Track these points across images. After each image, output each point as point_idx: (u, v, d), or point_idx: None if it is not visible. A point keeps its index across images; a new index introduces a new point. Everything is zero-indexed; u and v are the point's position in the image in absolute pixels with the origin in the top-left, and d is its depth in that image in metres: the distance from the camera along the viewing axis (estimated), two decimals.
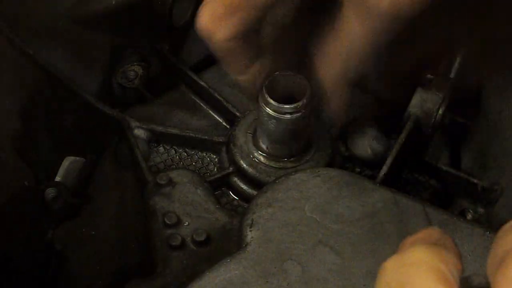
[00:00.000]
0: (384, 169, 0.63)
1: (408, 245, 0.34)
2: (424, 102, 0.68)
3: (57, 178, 0.69)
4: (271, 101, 0.60)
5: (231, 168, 0.67)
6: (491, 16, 0.58)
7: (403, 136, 0.66)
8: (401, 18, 0.49)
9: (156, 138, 0.71)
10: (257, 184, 0.65)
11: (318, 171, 0.59)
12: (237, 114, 0.71)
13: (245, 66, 0.57)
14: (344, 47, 0.52)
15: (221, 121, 0.74)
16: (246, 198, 0.66)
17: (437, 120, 0.68)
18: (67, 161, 0.71)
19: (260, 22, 0.52)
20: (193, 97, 0.76)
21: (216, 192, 0.66)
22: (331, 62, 0.54)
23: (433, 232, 0.34)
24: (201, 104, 0.76)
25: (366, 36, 0.51)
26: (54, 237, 0.65)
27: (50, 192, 0.66)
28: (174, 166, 0.70)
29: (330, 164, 0.66)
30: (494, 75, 0.68)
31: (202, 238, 0.58)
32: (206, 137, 0.71)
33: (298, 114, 0.60)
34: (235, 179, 0.67)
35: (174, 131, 0.71)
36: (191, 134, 0.71)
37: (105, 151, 0.73)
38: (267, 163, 0.65)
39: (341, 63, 0.54)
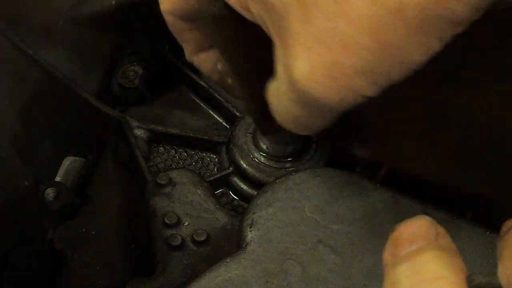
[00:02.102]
0: (384, 169, 0.63)
1: (408, 242, 0.33)
2: None
3: (57, 178, 0.69)
4: None
5: (231, 168, 0.67)
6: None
7: None
8: (318, 102, 0.41)
9: (156, 138, 0.71)
10: (257, 184, 0.65)
11: (318, 171, 0.58)
12: (237, 114, 0.71)
13: (192, 50, 0.57)
14: (277, 107, 0.46)
15: (221, 121, 0.74)
16: (246, 198, 0.66)
17: None
18: (67, 161, 0.71)
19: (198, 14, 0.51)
20: (193, 97, 0.77)
21: (216, 192, 0.66)
22: (273, 111, 0.48)
23: (429, 225, 0.34)
24: (201, 104, 0.76)
25: (292, 108, 0.44)
26: (54, 237, 0.65)
27: (50, 192, 0.66)
28: (174, 166, 0.70)
29: (330, 164, 0.66)
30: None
31: (202, 238, 0.58)
32: (206, 137, 0.71)
33: None
34: (235, 179, 0.67)
35: (174, 131, 0.71)
36: (191, 134, 0.71)
37: (105, 151, 0.73)
38: (267, 163, 0.65)
39: (279, 121, 0.48)
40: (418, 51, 0.37)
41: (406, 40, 0.36)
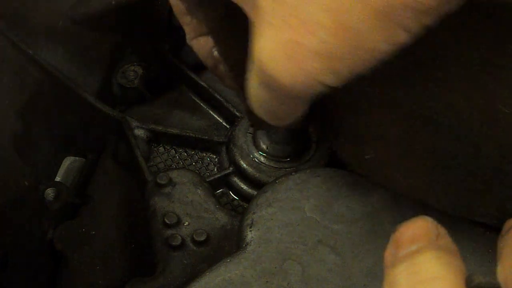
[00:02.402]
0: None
1: (408, 243, 0.33)
2: None
3: (57, 178, 0.69)
4: None
5: (231, 168, 0.67)
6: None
7: None
8: (279, 84, 0.39)
9: (156, 138, 0.71)
10: (257, 184, 0.65)
11: (318, 171, 0.58)
12: (237, 114, 0.71)
13: (192, 34, 0.57)
14: (250, 93, 0.44)
15: (221, 121, 0.74)
16: (246, 198, 0.66)
17: None
18: (67, 161, 0.71)
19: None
20: (193, 97, 0.76)
21: (216, 192, 0.66)
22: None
23: (430, 226, 0.34)
24: (201, 104, 0.76)
25: (260, 93, 0.42)
26: (54, 237, 0.65)
27: (50, 192, 0.66)
28: (174, 166, 0.70)
29: (330, 164, 0.66)
30: None
31: (202, 238, 0.58)
32: (206, 137, 0.71)
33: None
34: (235, 179, 0.67)
35: (174, 131, 0.71)
36: (191, 134, 0.71)
37: (105, 151, 0.73)
38: (267, 163, 0.65)
39: (253, 109, 0.47)
40: (382, 39, 0.35)
41: (368, 25, 0.35)
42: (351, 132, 0.53)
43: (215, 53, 0.57)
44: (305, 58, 0.37)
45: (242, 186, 0.67)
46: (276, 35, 0.37)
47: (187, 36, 0.58)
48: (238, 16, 0.44)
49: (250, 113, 0.53)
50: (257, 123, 0.61)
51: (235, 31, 0.49)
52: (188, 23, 0.56)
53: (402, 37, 0.35)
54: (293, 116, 0.45)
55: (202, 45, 0.57)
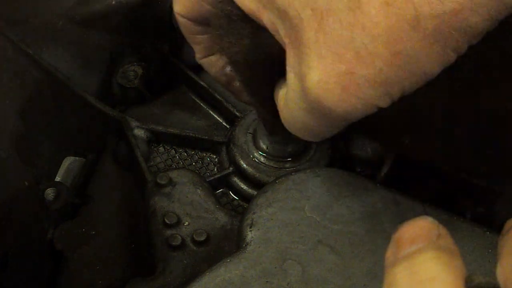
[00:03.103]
0: (384, 169, 0.64)
1: (409, 243, 0.33)
2: None
3: (57, 178, 0.69)
4: None
5: (231, 168, 0.67)
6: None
7: None
8: (329, 110, 0.41)
9: (156, 138, 0.71)
10: (257, 184, 0.65)
11: (318, 171, 0.58)
12: (237, 114, 0.71)
13: (202, 53, 0.57)
14: (286, 114, 0.46)
15: (221, 121, 0.74)
16: (246, 198, 0.66)
17: None
18: (67, 161, 0.71)
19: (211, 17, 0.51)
20: (193, 97, 0.77)
21: (216, 192, 0.66)
22: (281, 118, 0.49)
23: (431, 226, 0.34)
24: (201, 104, 0.76)
25: (301, 116, 0.44)
26: (54, 237, 0.65)
27: (50, 192, 0.66)
28: (174, 166, 0.70)
29: (330, 164, 0.66)
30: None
31: (202, 238, 0.58)
32: (206, 137, 0.71)
33: None
34: (235, 179, 0.67)
35: (174, 131, 0.71)
36: (191, 134, 0.71)
37: (105, 151, 0.73)
38: (267, 163, 0.65)
39: (287, 127, 0.48)
40: (432, 62, 0.37)
41: (421, 51, 0.36)
42: (391, 124, 0.54)
43: (228, 70, 0.57)
44: (362, 87, 0.38)
45: (242, 186, 0.67)
46: (329, 67, 0.39)
47: (197, 55, 0.58)
48: (263, 45, 0.45)
49: (270, 123, 0.54)
50: (277, 132, 0.61)
51: (257, 50, 0.49)
52: (198, 42, 0.56)
53: (452, 58, 0.37)
54: (332, 134, 0.46)
55: (214, 63, 0.58)
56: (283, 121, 0.48)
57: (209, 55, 0.57)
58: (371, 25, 0.36)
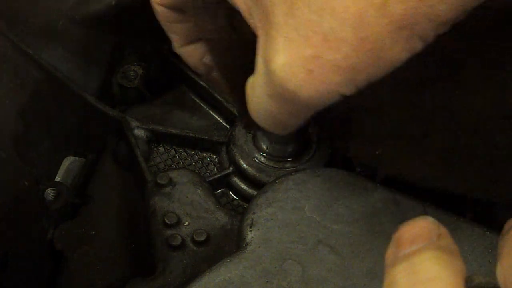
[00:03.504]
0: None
1: (409, 243, 0.33)
2: None
3: (57, 178, 0.69)
4: None
5: (231, 168, 0.67)
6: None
7: None
8: (294, 96, 0.40)
9: (156, 138, 0.71)
10: (257, 184, 0.65)
11: (318, 171, 0.59)
12: (237, 114, 0.71)
13: (180, 42, 0.56)
14: (252, 101, 0.45)
15: (221, 121, 0.74)
16: (246, 198, 0.66)
17: None
18: (67, 161, 0.71)
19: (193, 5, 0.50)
20: (193, 97, 0.76)
21: (216, 192, 0.66)
22: (248, 108, 0.47)
23: (431, 226, 0.34)
24: (201, 104, 0.76)
25: (266, 102, 0.43)
26: (54, 237, 0.65)
27: (50, 192, 0.66)
28: (174, 166, 0.70)
29: (330, 164, 0.66)
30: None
31: (202, 238, 0.58)
32: (206, 137, 0.71)
33: None
34: (235, 179, 0.67)
35: (174, 131, 0.71)
36: (191, 134, 0.71)
37: (105, 151, 0.73)
38: (267, 163, 0.65)
39: (253, 117, 0.47)
40: (399, 49, 0.37)
41: (388, 37, 0.36)
42: (365, 132, 0.54)
43: (207, 60, 0.57)
44: (327, 72, 0.38)
45: (242, 186, 0.67)
46: (295, 51, 0.38)
47: (175, 44, 0.57)
48: (238, 28, 0.45)
49: (246, 116, 0.54)
50: (251, 126, 0.61)
51: (233, 42, 0.49)
52: (176, 31, 0.55)
53: (418, 45, 0.37)
54: (298, 124, 0.45)
55: (192, 52, 0.57)
56: (249, 109, 0.46)
57: (187, 44, 0.56)
58: (340, 9, 0.36)
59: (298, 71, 0.38)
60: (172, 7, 0.52)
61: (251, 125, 0.61)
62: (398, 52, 0.37)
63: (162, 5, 0.52)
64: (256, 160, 0.66)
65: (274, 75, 0.39)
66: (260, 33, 0.41)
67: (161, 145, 0.72)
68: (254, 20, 0.42)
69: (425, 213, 0.55)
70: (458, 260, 0.32)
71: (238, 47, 0.49)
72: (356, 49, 0.37)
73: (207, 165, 0.71)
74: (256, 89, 0.43)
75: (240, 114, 0.60)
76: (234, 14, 0.45)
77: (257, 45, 0.42)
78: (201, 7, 0.48)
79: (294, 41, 0.38)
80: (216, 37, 0.50)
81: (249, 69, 0.46)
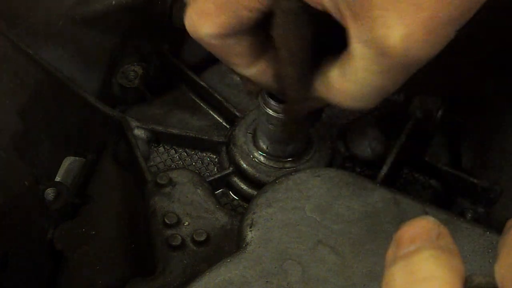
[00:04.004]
0: (384, 169, 0.64)
1: (408, 242, 0.33)
2: (424, 102, 0.68)
3: (57, 178, 0.69)
4: (271, 101, 0.60)
5: (231, 168, 0.67)
6: None
7: (403, 136, 0.66)
8: (413, 60, 0.44)
9: (156, 138, 0.71)
10: (257, 184, 0.65)
11: (318, 171, 0.58)
12: (237, 114, 0.71)
13: (245, 64, 0.54)
14: (350, 86, 0.48)
15: (221, 121, 0.74)
16: (246, 198, 0.66)
17: (437, 120, 0.67)
18: (67, 161, 0.71)
19: (253, 21, 0.49)
20: (193, 97, 0.76)
21: (216, 192, 0.66)
22: (335, 95, 0.50)
23: (431, 226, 0.34)
24: (201, 104, 0.76)
25: (375, 80, 0.47)
26: (54, 237, 0.65)
27: (50, 192, 0.66)
28: (174, 166, 0.70)
29: (330, 164, 0.66)
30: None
31: (202, 238, 0.58)
32: (206, 137, 0.71)
33: None
34: (235, 179, 0.67)
35: (174, 131, 0.71)
36: (191, 134, 0.71)
37: (105, 151, 0.73)
38: (267, 163, 0.65)
39: (345, 100, 0.50)
40: None
41: None
42: None
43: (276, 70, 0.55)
44: (445, 26, 0.42)
45: (242, 186, 0.67)
46: (410, 19, 0.42)
47: (241, 70, 0.55)
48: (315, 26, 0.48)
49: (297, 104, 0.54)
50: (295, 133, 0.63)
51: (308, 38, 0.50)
52: (239, 54, 0.53)
53: None
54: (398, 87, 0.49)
55: (264, 70, 0.55)
56: (342, 97, 0.49)
57: (254, 63, 0.54)
58: None
59: (420, 37, 0.42)
60: (231, 34, 0.50)
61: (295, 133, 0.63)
62: None
63: (219, 36, 0.51)
64: (256, 160, 0.66)
65: (395, 49, 0.43)
66: (351, 21, 0.44)
67: (161, 145, 0.72)
68: (342, 12, 0.44)
69: (425, 213, 0.55)
70: (457, 260, 0.32)
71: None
72: None
73: (207, 165, 0.71)
74: (358, 74, 0.46)
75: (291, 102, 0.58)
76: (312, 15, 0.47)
77: (347, 33, 0.45)
78: (280, 13, 0.48)
79: (405, 12, 0.41)
80: (292, 41, 0.50)
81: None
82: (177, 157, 0.71)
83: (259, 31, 0.51)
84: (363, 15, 0.43)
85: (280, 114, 0.60)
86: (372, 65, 0.45)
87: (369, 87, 0.47)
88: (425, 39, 0.42)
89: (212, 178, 0.67)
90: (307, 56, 0.50)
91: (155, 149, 0.72)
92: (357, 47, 0.45)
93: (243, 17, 0.49)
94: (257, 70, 0.55)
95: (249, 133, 0.67)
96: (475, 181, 0.66)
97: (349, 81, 0.48)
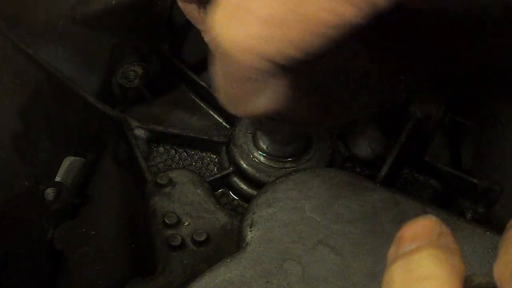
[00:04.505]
0: (384, 169, 0.64)
1: (409, 241, 0.33)
2: (424, 102, 0.68)
3: (57, 178, 0.69)
4: None
5: (231, 168, 0.67)
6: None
7: (403, 136, 0.66)
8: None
9: (156, 138, 0.71)
10: (257, 184, 0.65)
11: (318, 171, 0.58)
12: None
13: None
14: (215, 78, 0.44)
15: (221, 121, 0.74)
16: (246, 198, 0.66)
17: (437, 120, 0.67)
18: (67, 161, 0.71)
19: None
20: (193, 97, 0.76)
21: (216, 192, 0.66)
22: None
23: (433, 225, 0.34)
24: (201, 104, 0.76)
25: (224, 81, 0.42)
26: (54, 237, 0.65)
27: (50, 192, 0.66)
28: (174, 166, 0.70)
29: (330, 164, 0.66)
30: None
31: (202, 238, 0.58)
32: (206, 137, 0.71)
33: None
34: (235, 179, 0.67)
35: (174, 131, 0.71)
36: (191, 134, 0.71)
37: (105, 151, 0.73)
38: (267, 163, 0.65)
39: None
40: (328, 11, 0.34)
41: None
42: None
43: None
44: (252, 23, 0.36)
45: (242, 186, 0.67)
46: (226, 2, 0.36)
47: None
48: None
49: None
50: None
51: None
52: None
53: (349, 12, 0.34)
54: (254, 102, 0.43)
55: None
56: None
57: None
58: None
59: (225, 21, 0.36)
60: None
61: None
62: (325, 13, 0.34)
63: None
64: (256, 160, 0.66)
65: (214, 32, 0.37)
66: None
67: (161, 145, 0.72)
68: None
69: (425, 213, 0.55)
70: (457, 259, 0.32)
71: None
72: (281, 2, 0.34)
73: (207, 165, 0.71)
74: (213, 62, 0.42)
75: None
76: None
77: None
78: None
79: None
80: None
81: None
82: (177, 157, 0.71)
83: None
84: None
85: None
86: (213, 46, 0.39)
87: (220, 84, 0.43)
88: (231, 27, 0.36)
89: (212, 178, 0.67)
90: None
91: (155, 149, 0.72)
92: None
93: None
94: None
95: (249, 133, 0.67)
96: (475, 181, 0.66)
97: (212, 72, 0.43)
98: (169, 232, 0.59)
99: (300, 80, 0.41)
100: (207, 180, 0.65)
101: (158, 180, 0.63)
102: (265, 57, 0.37)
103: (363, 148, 0.68)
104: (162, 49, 0.78)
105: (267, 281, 0.51)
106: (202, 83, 0.74)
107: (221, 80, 0.42)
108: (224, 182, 0.68)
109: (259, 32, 0.36)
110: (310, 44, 0.36)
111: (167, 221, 0.60)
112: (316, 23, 0.35)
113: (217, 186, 0.67)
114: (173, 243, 0.58)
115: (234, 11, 0.36)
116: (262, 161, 0.65)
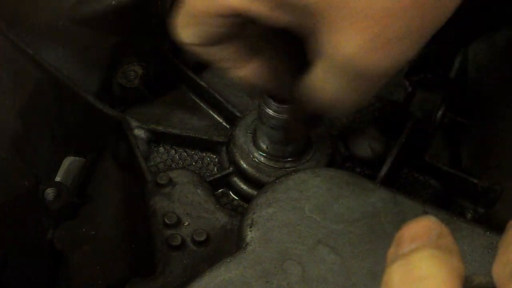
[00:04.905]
0: (384, 169, 0.64)
1: (409, 241, 0.33)
2: (424, 102, 0.68)
3: (57, 178, 0.69)
4: (272, 101, 0.60)
5: (231, 168, 0.67)
6: None
7: (403, 136, 0.66)
8: (374, 71, 0.46)
9: (156, 138, 0.71)
10: (257, 184, 0.65)
11: (318, 171, 0.58)
12: (237, 114, 0.71)
13: (234, 67, 0.54)
14: (317, 95, 0.50)
15: (221, 121, 0.74)
16: (246, 198, 0.66)
17: (437, 120, 0.67)
18: (67, 161, 0.71)
19: (227, 34, 0.50)
20: (193, 97, 0.76)
21: (216, 192, 0.66)
22: (309, 102, 0.51)
23: (433, 226, 0.34)
24: (201, 104, 0.76)
25: (338, 91, 0.48)
26: (54, 237, 0.65)
27: (50, 192, 0.66)
28: (174, 166, 0.70)
29: (330, 164, 0.66)
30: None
31: (202, 238, 0.58)
32: (206, 137, 0.71)
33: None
34: (235, 179, 0.67)
35: (174, 131, 0.71)
36: (191, 134, 0.71)
37: (105, 151, 0.73)
38: (267, 163, 0.65)
39: (317, 108, 0.51)
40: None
41: None
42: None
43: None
44: (394, 44, 0.43)
45: (242, 186, 0.67)
46: (361, 31, 0.43)
47: (230, 69, 0.54)
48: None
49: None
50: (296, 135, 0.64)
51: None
52: (224, 59, 0.53)
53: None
54: (367, 99, 0.53)
55: (256, 67, 0.55)
56: (316, 101, 0.50)
57: (244, 65, 0.54)
58: None
59: (369, 49, 0.43)
60: (206, 44, 0.51)
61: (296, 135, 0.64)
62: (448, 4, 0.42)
63: (198, 46, 0.51)
64: (256, 160, 0.66)
65: (344, 57, 0.44)
66: (308, 36, 0.46)
67: (161, 145, 0.72)
68: (301, 28, 0.45)
69: (425, 213, 0.55)
70: (457, 260, 0.32)
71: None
72: (414, 15, 0.42)
73: (207, 165, 0.71)
74: (319, 84, 0.48)
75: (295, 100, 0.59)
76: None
77: (312, 46, 0.46)
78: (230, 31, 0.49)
79: (358, 23, 0.42)
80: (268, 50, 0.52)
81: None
82: (177, 157, 0.71)
83: (246, 34, 0.51)
84: (318, 30, 0.44)
85: (280, 114, 0.60)
86: (331, 77, 0.46)
87: (334, 97, 0.48)
88: (376, 55, 0.44)
89: (212, 178, 0.67)
90: (288, 65, 0.53)
91: (155, 149, 0.72)
92: (316, 61, 0.46)
93: (213, 33, 0.49)
94: (249, 71, 0.55)
95: (249, 133, 0.67)
96: (475, 181, 0.66)
97: (315, 91, 0.49)
98: (169, 232, 0.59)
99: None
100: (207, 180, 0.65)
101: (158, 180, 0.63)
102: (402, 64, 0.46)
103: (363, 148, 0.68)
104: (162, 49, 0.78)
105: (267, 281, 0.51)
106: (202, 83, 0.74)
107: (334, 89, 0.48)
108: (224, 182, 0.68)
109: (403, 48, 0.45)
110: (430, 35, 0.45)
111: (167, 221, 0.60)
112: (439, 17, 0.44)
113: (217, 186, 0.67)
114: (173, 243, 0.58)
115: (376, 40, 0.44)
116: (262, 161, 0.65)
